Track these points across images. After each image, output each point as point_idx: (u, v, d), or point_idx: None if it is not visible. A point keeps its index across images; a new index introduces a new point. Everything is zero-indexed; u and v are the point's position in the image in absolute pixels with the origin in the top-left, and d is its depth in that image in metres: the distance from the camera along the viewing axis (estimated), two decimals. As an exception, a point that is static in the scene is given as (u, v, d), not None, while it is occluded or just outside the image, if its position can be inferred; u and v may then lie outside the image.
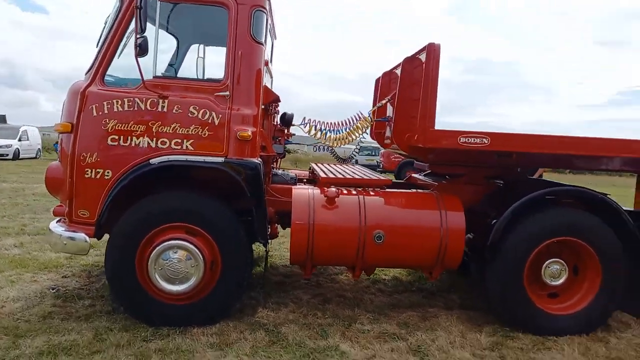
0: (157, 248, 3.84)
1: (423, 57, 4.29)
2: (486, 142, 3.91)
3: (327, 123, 4.99)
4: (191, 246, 3.85)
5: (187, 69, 4.89)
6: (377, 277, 5.58)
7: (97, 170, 3.86)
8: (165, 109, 3.87)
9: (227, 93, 3.93)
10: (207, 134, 3.89)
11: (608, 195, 4.21)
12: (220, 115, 3.89)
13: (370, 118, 4.97)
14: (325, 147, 5.03)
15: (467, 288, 5.34)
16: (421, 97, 3.93)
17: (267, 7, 4.10)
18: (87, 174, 3.86)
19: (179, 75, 4.65)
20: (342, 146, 4.99)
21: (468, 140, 3.90)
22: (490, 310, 4.44)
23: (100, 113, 3.86)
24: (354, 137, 4.99)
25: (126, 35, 4.00)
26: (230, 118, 3.91)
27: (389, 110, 5.12)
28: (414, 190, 4.64)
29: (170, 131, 3.87)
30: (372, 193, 4.24)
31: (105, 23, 4.33)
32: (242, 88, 3.97)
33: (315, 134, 4.91)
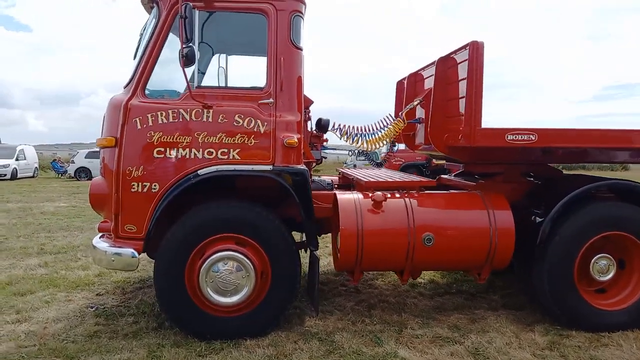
0: (208, 260, 3.78)
1: (459, 56, 4.30)
2: (533, 138, 3.91)
3: (358, 127, 4.98)
4: (242, 257, 3.80)
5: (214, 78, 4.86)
6: (414, 280, 5.53)
7: (144, 183, 3.80)
8: (210, 119, 3.83)
9: (271, 100, 3.90)
10: (253, 143, 3.85)
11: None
12: (265, 123, 3.86)
13: (403, 120, 4.95)
14: (360, 152, 5.02)
15: (505, 287, 5.32)
16: (467, 97, 3.92)
17: (304, 12, 4.08)
18: (134, 188, 3.80)
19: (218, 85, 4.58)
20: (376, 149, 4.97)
21: (515, 137, 3.89)
22: (541, 308, 4.40)
23: (145, 126, 3.81)
24: (389, 139, 4.97)
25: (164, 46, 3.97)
26: (276, 125, 3.88)
27: (418, 112, 5.12)
28: (457, 191, 4.61)
29: (217, 141, 3.82)
30: (416, 195, 4.21)
31: (142, 35, 4.30)
32: (285, 95, 3.94)
33: (349, 139, 4.88)
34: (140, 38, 4.31)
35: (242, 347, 3.76)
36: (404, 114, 4.95)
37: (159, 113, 3.82)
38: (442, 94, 4.53)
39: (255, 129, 3.86)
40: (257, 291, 3.87)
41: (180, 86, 3.97)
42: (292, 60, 3.95)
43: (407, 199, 4.13)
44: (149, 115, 3.82)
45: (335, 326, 4.20)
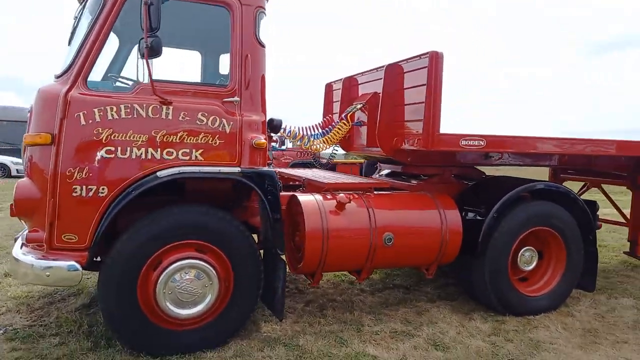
0: (167, 270, 3.45)
1: (411, 64, 4.47)
2: (482, 144, 4.22)
3: (304, 128, 4.93)
4: (205, 264, 3.54)
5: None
6: (348, 277, 5.64)
7: (89, 187, 3.32)
8: (170, 117, 3.48)
9: (237, 99, 3.67)
10: (218, 143, 3.58)
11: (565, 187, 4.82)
12: (231, 123, 3.62)
13: (348, 122, 5.01)
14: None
15: (432, 280, 5.67)
16: (426, 103, 4.08)
17: (266, 8, 3.90)
18: (76, 192, 3.30)
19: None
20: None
21: (468, 142, 4.16)
22: (475, 298, 4.78)
23: (91, 121, 3.33)
24: (336, 140, 4.99)
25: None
26: (242, 125, 3.65)
27: (357, 115, 5.22)
28: (402, 191, 4.79)
29: (177, 140, 3.49)
30: (373, 196, 4.29)
31: (76, 19, 3.75)
32: (250, 93, 3.73)
33: (296, 140, 4.81)
34: (76, 22, 3.75)
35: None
36: (348, 117, 5.01)
37: (108, 108, 3.36)
38: (391, 99, 4.68)
39: (220, 129, 3.59)
40: (219, 300, 3.64)
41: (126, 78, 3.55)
42: (258, 57, 3.75)
43: (365, 200, 4.19)
44: (96, 110, 3.34)
45: (294, 329, 4.12)
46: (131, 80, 3.79)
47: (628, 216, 6.17)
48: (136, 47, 4.18)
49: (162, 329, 3.54)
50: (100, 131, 3.34)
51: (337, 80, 6.03)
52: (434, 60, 4.04)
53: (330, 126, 5.01)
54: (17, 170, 20.22)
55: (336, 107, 5.96)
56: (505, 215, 4.46)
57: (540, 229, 4.63)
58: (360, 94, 5.43)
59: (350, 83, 5.68)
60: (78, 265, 3.29)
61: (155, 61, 3.60)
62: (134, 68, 3.76)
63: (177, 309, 3.50)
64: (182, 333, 3.59)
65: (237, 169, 3.61)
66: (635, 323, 4.52)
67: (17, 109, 23.00)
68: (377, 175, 5.99)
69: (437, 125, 4.08)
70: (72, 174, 3.29)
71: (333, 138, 4.90)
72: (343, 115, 5.09)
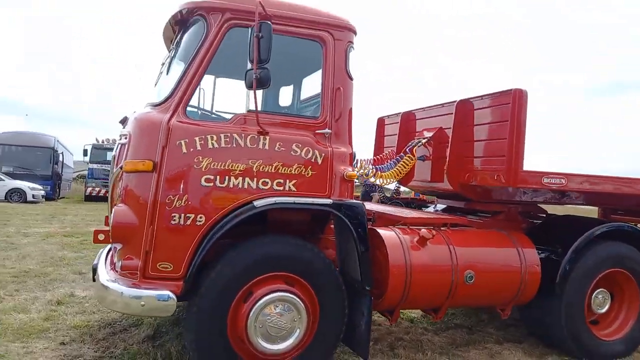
0: (260, 302, 3.37)
1: (484, 101, 4.51)
2: (564, 182, 4.20)
3: (369, 160, 4.92)
4: (294, 297, 3.46)
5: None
6: (406, 315, 5.52)
7: (188, 215, 3.29)
8: (267, 147, 3.48)
9: (329, 130, 3.69)
10: (310, 174, 3.57)
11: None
12: (323, 154, 3.62)
13: (413, 156, 5.00)
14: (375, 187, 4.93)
15: (489, 320, 5.54)
16: (509, 140, 4.08)
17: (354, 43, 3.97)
18: (174, 221, 3.27)
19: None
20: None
21: (550, 180, 4.15)
22: (549, 340, 4.65)
23: (192, 150, 3.33)
24: (401, 175, 4.97)
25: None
26: (333, 157, 3.66)
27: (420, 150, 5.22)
28: (486, 229, 4.71)
29: (273, 170, 3.48)
30: (451, 232, 4.24)
31: (174, 48, 3.81)
32: (339, 126, 3.75)
33: (364, 173, 4.80)
34: (172, 51, 3.82)
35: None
36: (413, 151, 5.01)
37: (208, 137, 3.37)
38: (461, 135, 4.70)
39: (312, 160, 3.59)
40: (307, 335, 3.54)
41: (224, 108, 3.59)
42: (347, 91, 3.79)
43: (445, 236, 4.14)
44: (197, 139, 3.35)
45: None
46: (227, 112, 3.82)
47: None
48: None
49: (244, 361, 3.44)
50: (200, 159, 3.33)
51: (392, 115, 6.08)
52: (518, 97, 4.07)
53: (394, 159, 4.98)
54: (32, 195, 20.21)
55: (389, 141, 6.00)
56: (583, 255, 4.40)
57: (615, 270, 4.55)
58: (420, 128, 5.47)
59: (408, 118, 5.73)
60: (173, 296, 3.23)
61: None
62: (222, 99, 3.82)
63: (267, 344, 3.40)
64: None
65: (329, 201, 3.59)
66: None
67: (30, 134, 23.26)
68: (433, 210, 5.94)
69: (520, 162, 4.07)
70: (171, 201, 3.27)
71: (399, 172, 4.88)
72: (408, 149, 5.08)
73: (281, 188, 3.50)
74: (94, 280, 3.81)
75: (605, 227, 4.50)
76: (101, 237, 3.77)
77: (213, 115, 3.77)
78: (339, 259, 3.86)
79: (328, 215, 4.04)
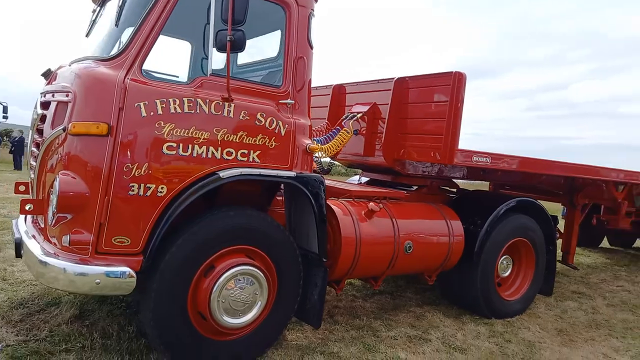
0: (223, 277, 3.26)
1: (424, 80, 4.77)
2: (488, 161, 4.64)
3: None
4: (257, 270, 3.41)
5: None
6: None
7: (148, 185, 3.03)
8: (232, 114, 3.32)
9: (292, 101, 3.62)
10: (273, 145, 3.50)
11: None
12: (286, 126, 3.56)
13: (350, 131, 5.12)
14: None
15: (405, 286, 6.00)
16: (447, 120, 4.37)
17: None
18: (132, 191, 3.00)
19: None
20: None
21: (479, 159, 4.55)
22: (462, 303, 5.18)
23: (152, 114, 3.05)
24: (337, 149, 5.05)
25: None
26: (295, 128, 3.61)
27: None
28: (417, 202, 5.00)
29: (237, 140, 3.33)
30: (392, 205, 4.47)
31: None
32: (301, 96, 3.70)
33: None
34: (121, 2, 3.39)
35: (255, 373, 3.38)
36: (350, 125, 5.12)
37: (170, 100, 3.11)
38: (397, 112, 4.93)
39: (276, 131, 3.51)
40: (267, 307, 3.53)
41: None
42: (309, 61, 3.74)
43: (388, 209, 4.36)
44: (158, 102, 3.07)
45: (317, 337, 4.12)
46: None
47: (562, 230, 7.10)
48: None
49: (209, 340, 3.34)
50: (162, 125, 3.07)
51: (320, 87, 6.08)
52: (457, 80, 4.36)
53: (330, 132, 5.01)
54: None
55: (316, 113, 6.05)
56: (497, 226, 4.94)
57: (518, 239, 5.20)
58: (351, 102, 5.57)
59: (340, 90, 5.80)
60: (133, 272, 2.98)
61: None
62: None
63: (229, 318, 3.32)
64: (227, 344, 3.42)
65: (293, 173, 3.55)
66: (589, 322, 5.28)
67: None
68: (357, 183, 6.16)
69: (456, 142, 4.40)
70: (129, 170, 2.98)
71: (337, 145, 4.94)
72: (343, 123, 5.17)
73: (245, 159, 3.38)
74: (18, 255, 3.36)
75: (514, 202, 5.09)
76: (29, 207, 3.29)
77: (168, 77, 3.45)
78: (288, 231, 3.85)
79: (277, 188, 4.01)
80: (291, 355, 3.71)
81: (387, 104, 4.97)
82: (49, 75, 3.72)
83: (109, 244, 2.98)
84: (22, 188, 4.03)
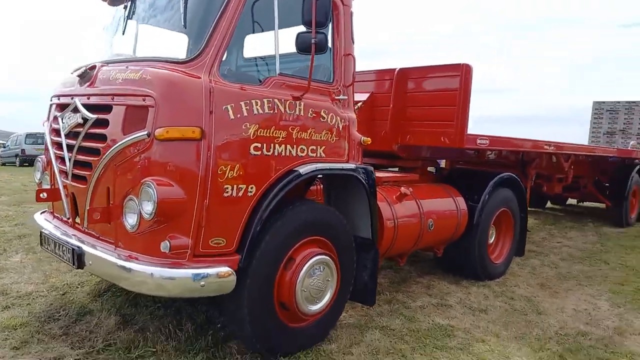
0: (305, 267, 3.44)
1: (422, 71, 5.17)
2: (487, 142, 5.19)
3: None
4: (329, 259, 3.63)
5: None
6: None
7: (240, 186, 3.11)
8: (302, 113, 3.45)
9: (345, 97, 3.81)
10: (334, 140, 3.70)
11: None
12: (342, 120, 3.76)
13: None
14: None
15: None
16: (457, 107, 4.83)
17: None
18: (227, 192, 3.06)
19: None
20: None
21: (481, 141, 5.08)
22: (459, 270, 5.77)
23: (239, 116, 3.11)
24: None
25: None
26: (349, 123, 3.82)
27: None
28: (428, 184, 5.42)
29: (307, 137, 3.49)
30: (412, 188, 4.86)
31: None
32: (349, 92, 3.91)
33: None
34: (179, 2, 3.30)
35: (328, 354, 3.63)
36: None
37: (253, 102, 3.18)
38: (400, 101, 5.30)
39: (336, 126, 3.71)
40: (335, 292, 3.76)
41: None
42: (354, 58, 3.93)
43: (410, 191, 4.74)
44: (242, 104, 3.13)
45: (361, 314, 4.41)
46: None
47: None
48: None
49: (291, 328, 3.51)
50: (248, 126, 3.14)
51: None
52: (466, 71, 4.82)
53: None
54: None
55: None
56: (489, 200, 5.56)
57: (503, 210, 5.89)
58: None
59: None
60: (233, 271, 3.06)
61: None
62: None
63: (311, 306, 3.52)
64: (303, 329, 3.61)
65: (353, 165, 3.78)
66: (557, 276, 6.17)
67: None
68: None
69: (466, 127, 4.88)
70: (224, 172, 3.03)
71: None
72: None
73: (314, 154, 3.55)
74: (80, 267, 3.24)
75: (501, 177, 5.74)
76: (97, 216, 3.15)
77: (242, 77, 3.46)
78: None
79: (315, 179, 4.20)
80: (353, 333, 3.99)
81: (389, 93, 5.31)
82: (85, 76, 3.52)
83: (206, 246, 3.03)
84: (44, 195, 3.82)
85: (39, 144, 25.55)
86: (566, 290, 5.56)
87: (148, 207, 2.89)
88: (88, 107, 3.35)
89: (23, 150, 25.16)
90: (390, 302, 4.77)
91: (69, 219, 3.66)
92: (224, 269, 3.03)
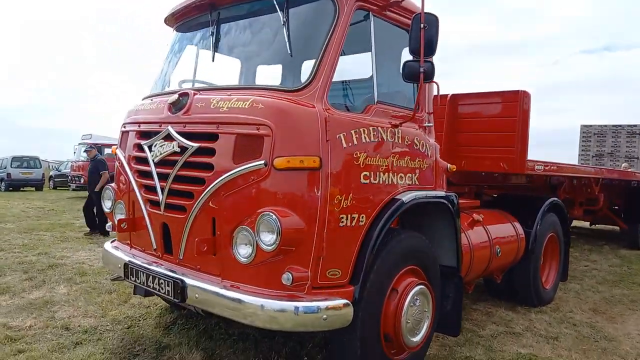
0: (409, 297, 3.38)
1: (474, 98, 5.26)
2: (542, 168, 5.27)
3: None
4: (426, 289, 3.58)
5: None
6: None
7: (353, 215, 3.07)
8: (399, 140, 3.45)
9: (431, 124, 3.83)
10: (424, 167, 3.70)
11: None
12: (431, 147, 3.77)
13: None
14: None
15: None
16: (517, 133, 4.90)
17: None
18: (342, 222, 3.01)
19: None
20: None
21: (538, 167, 5.15)
22: (512, 296, 5.74)
23: (350, 145, 3.09)
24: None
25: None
26: (435, 150, 3.83)
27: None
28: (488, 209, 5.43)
29: (404, 165, 3.49)
30: (480, 214, 4.85)
31: (285, 24, 3.30)
32: (431, 119, 3.93)
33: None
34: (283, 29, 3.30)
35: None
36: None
37: (362, 130, 3.17)
38: (453, 126, 5.36)
39: (427, 153, 3.71)
40: (430, 323, 3.69)
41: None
42: (437, 84, 3.96)
43: (478, 217, 4.75)
44: (353, 132, 3.12)
45: (438, 345, 4.33)
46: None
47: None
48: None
49: (390, 360, 3.43)
50: (358, 155, 3.12)
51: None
52: (524, 98, 4.92)
53: None
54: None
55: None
56: (541, 225, 5.60)
57: (551, 235, 5.93)
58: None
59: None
60: (351, 303, 2.99)
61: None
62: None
63: (412, 337, 3.46)
64: (402, 362, 3.53)
65: (442, 193, 3.77)
66: (603, 300, 6.19)
67: None
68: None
69: (526, 152, 4.95)
70: (339, 201, 2.99)
71: None
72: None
73: (410, 182, 3.54)
74: (183, 300, 3.13)
75: (550, 202, 5.80)
76: (204, 247, 3.06)
77: (348, 105, 3.45)
78: None
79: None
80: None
81: (442, 119, 5.37)
82: (178, 104, 3.46)
83: (323, 277, 2.96)
84: (124, 226, 3.72)
85: (24, 167, 25.00)
86: (620, 315, 5.57)
87: (269, 238, 2.82)
88: (184, 135, 3.28)
89: (9, 174, 24.49)
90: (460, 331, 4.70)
91: (155, 250, 3.55)
92: (344, 301, 2.96)
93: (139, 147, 3.64)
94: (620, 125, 18.85)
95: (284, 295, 2.88)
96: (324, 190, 2.92)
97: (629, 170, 12.23)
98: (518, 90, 4.97)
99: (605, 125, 19.26)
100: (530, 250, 5.40)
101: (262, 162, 2.91)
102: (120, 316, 4.66)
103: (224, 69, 4.06)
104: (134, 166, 3.68)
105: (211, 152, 3.13)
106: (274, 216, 2.79)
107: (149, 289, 3.40)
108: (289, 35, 3.29)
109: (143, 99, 4.09)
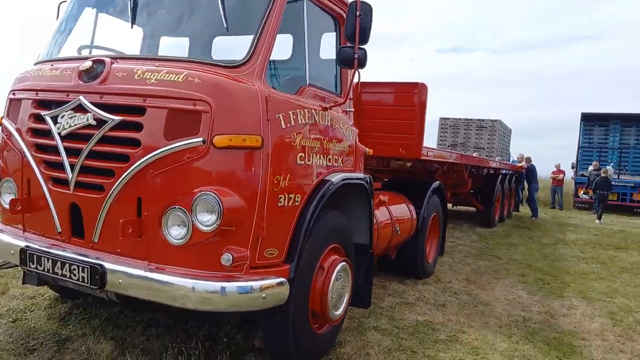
0: (335, 273, 3.54)
1: (374, 87, 5.59)
2: (433, 154, 5.78)
3: None
4: (347, 265, 3.76)
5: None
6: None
7: (290, 195, 3.11)
8: (329, 123, 3.55)
9: (352, 109, 3.98)
10: (348, 151, 3.85)
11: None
12: (353, 132, 3.93)
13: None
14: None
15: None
16: (415, 120, 5.31)
17: None
18: (280, 202, 3.04)
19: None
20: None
21: (430, 153, 5.65)
22: (402, 270, 6.26)
23: (289, 125, 3.12)
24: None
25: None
26: (355, 134, 4.01)
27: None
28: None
29: (333, 147, 3.60)
30: (384, 196, 5.19)
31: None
32: (351, 105, 4.09)
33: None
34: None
35: (348, 357, 3.77)
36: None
37: (298, 111, 3.21)
38: (356, 113, 5.63)
39: (350, 137, 3.87)
40: (349, 298, 3.88)
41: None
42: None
43: (387, 200, 5.09)
44: (290, 113, 3.14)
45: (349, 318, 4.55)
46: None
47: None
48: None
49: (316, 335, 3.56)
50: (295, 136, 3.15)
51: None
52: (422, 90, 5.34)
53: None
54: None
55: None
56: (427, 205, 6.18)
57: (434, 214, 6.58)
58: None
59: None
60: (286, 280, 3.04)
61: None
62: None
63: (335, 312, 3.62)
64: (324, 335, 3.68)
65: (362, 175, 3.96)
66: (473, 271, 7.05)
67: None
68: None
69: (422, 139, 5.39)
70: (278, 182, 3.01)
71: None
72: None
73: (336, 164, 3.67)
74: (100, 288, 2.90)
75: (435, 185, 6.41)
76: (129, 229, 2.80)
77: (279, 85, 3.38)
78: None
79: None
80: (356, 336, 4.16)
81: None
82: (92, 71, 3.12)
83: (262, 257, 2.97)
84: (18, 207, 3.30)
85: None
86: (488, 283, 6.42)
87: (207, 218, 2.73)
88: (101, 106, 2.99)
89: None
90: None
91: (60, 234, 3.19)
92: (280, 279, 2.99)
93: (38, 118, 3.22)
94: (471, 119, 21.29)
95: (220, 277, 2.82)
96: (264, 170, 2.90)
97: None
98: (417, 83, 5.39)
99: (459, 119, 21.61)
100: (420, 229, 5.93)
101: (200, 139, 2.79)
102: (1, 309, 4.11)
103: (125, 36, 3.75)
104: (30, 139, 3.25)
105: (137, 127, 2.90)
106: (214, 196, 2.71)
107: (56, 276, 3.05)
108: (224, 8, 3.16)
109: (36, 64, 3.61)
